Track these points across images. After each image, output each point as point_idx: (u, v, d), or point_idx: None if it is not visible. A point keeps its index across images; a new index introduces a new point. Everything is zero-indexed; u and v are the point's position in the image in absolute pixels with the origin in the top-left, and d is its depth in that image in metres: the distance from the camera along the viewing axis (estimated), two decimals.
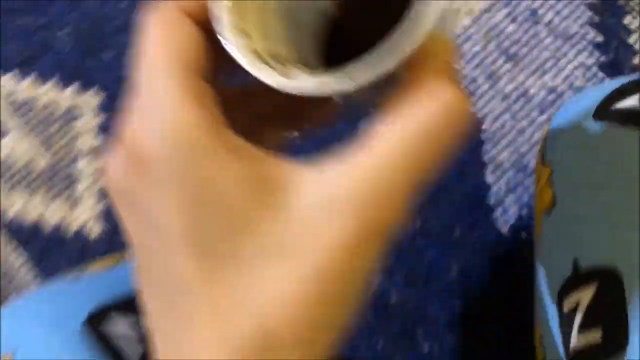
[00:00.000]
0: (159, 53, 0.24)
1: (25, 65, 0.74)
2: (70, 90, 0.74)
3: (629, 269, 0.40)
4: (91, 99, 0.73)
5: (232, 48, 0.24)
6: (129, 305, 0.46)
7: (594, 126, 0.45)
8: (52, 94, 0.74)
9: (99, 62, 0.74)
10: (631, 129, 0.42)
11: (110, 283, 0.49)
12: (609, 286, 0.41)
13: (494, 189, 0.68)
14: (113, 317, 0.46)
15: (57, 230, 0.71)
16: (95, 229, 0.70)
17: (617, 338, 0.40)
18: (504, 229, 0.68)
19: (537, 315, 0.51)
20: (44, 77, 0.74)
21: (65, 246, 0.69)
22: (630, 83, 0.46)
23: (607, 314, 0.41)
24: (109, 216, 0.71)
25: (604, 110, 0.45)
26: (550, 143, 0.50)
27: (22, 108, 0.74)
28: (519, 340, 0.65)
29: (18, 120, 0.73)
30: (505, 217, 0.68)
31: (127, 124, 0.24)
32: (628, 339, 0.39)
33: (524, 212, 0.68)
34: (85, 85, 0.73)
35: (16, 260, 0.71)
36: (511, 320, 0.66)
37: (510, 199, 0.68)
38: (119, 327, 0.45)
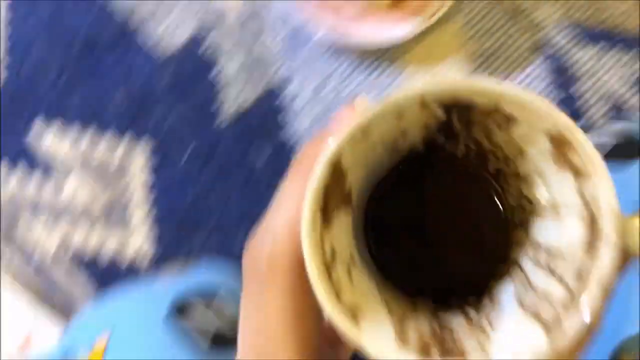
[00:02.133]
0: (282, 343, 0.24)
1: (85, 120, 0.81)
2: (125, 140, 0.81)
3: None
4: (144, 146, 0.81)
5: None
6: (204, 296, 0.51)
7: None
8: (109, 143, 0.80)
9: (148, 115, 0.81)
10: None
11: (183, 281, 0.55)
12: None
13: None
14: (190, 307, 0.50)
15: (113, 260, 0.77)
16: (145, 261, 0.78)
17: None
18: None
19: None
20: (102, 130, 0.81)
21: (120, 274, 0.76)
22: None
23: None
24: (157, 246, 0.78)
25: None
26: None
27: (83, 154, 0.81)
28: None
29: (80, 166, 0.80)
30: None
31: None
32: None
33: None
34: (138, 135, 0.80)
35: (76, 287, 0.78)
36: None
37: None
38: (196, 315, 0.49)
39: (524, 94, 0.22)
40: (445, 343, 0.22)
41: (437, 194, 0.28)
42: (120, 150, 0.80)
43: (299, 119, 0.77)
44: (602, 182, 0.21)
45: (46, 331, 0.70)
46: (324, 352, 0.27)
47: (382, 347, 0.21)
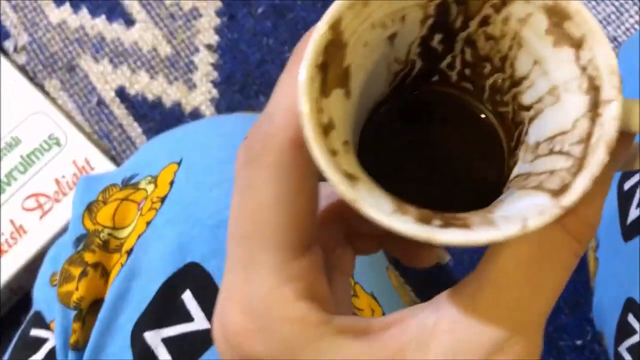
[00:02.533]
0: (274, 223, 0.23)
1: None
2: None
3: None
4: (212, 4, 0.80)
5: (372, 211, 0.20)
6: None
7: None
8: None
9: None
10: None
11: (257, 117, 0.54)
12: None
13: None
14: None
15: (176, 107, 0.78)
16: (208, 112, 0.78)
17: None
18: None
19: None
20: None
21: (182, 122, 0.76)
22: None
23: None
24: (221, 102, 0.78)
25: None
26: (620, 63, 0.57)
27: (151, 4, 0.81)
28: None
29: (146, 13, 0.81)
30: None
31: (235, 294, 0.24)
32: None
33: None
34: None
35: (133, 131, 0.79)
36: None
37: None
38: None
39: None
40: (447, 217, 0.21)
41: (434, 135, 0.28)
42: (188, 4, 0.79)
43: None
44: (601, 46, 0.21)
45: (104, 163, 0.71)
46: (321, 236, 0.26)
47: (381, 210, 0.20)
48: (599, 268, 0.57)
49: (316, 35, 0.22)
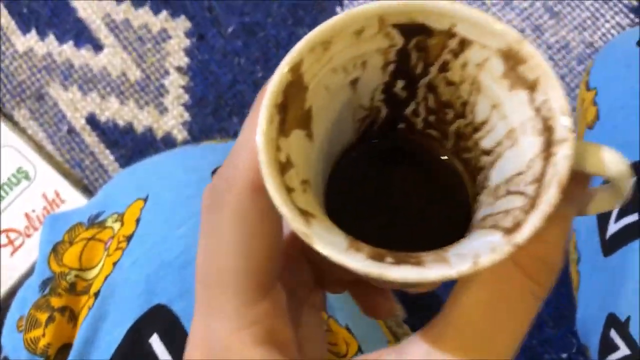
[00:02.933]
0: (233, 267, 0.24)
1: None
2: (162, 16, 0.80)
3: None
4: (180, 25, 0.79)
5: (325, 248, 0.21)
6: None
7: (637, 50, 0.52)
8: (146, 17, 0.80)
9: None
10: None
11: (223, 148, 0.53)
12: None
13: None
14: None
15: (148, 132, 0.77)
16: (180, 136, 0.77)
17: None
18: None
19: (574, 221, 0.57)
20: (139, 2, 0.80)
21: (155, 147, 0.76)
22: None
23: None
24: (193, 126, 0.77)
25: None
26: (596, 71, 0.57)
27: (119, 27, 0.80)
28: None
29: (114, 37, 0.80)
30: None
31: (196, 339, 0.24)
32: None
33: None
34: (176, 12, 0.79)
35: (105, 159, 0.77)
36: None
37: None
38: None
39: (477, 12, 0.23)
40: (401, 256, 0.21)
41: (400, 181, 0.29)
42: (157, 26, 0.78)
43: None
44: (553, 88, 0.22)
45: (74, 194, 0.70)
46: (283, 274, 0.26)
47: (334, 246, 0.21)
48: (580, 282, 0.56)
49: (276, 76, 0.22)
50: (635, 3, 0.76)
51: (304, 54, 0.23)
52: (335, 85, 0.24)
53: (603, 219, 0.50)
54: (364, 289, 0.31)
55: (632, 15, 0.77)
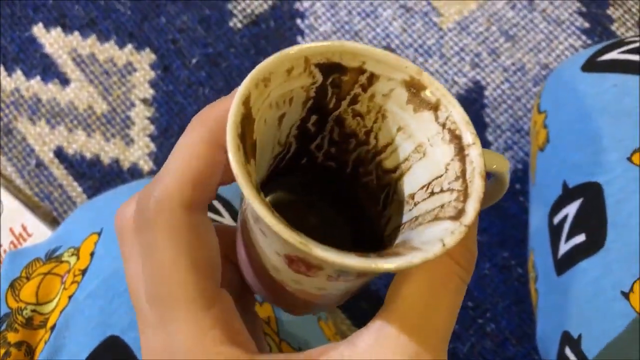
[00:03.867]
0: (177, 280, 0.24)
1: (87, 27, 0.81)
2: (127, 49, 0.81)
3: (608, 181, 0.47)
4: (145, 57, 0.80)
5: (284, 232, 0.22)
6: None
7: (582, 75, 0.53)
8: (111, 51, 0.81)
9: (153, 26, 0.81)
10: (610, 72, 0.50)
11: None
12: (592, 198, 0.47)
13: (493, 147, 0.75)
14: None
15: (114, 164, 0.78)
16: (147, 167, 0.77)
17: (597, 239, 0.46)
18: None
19: (530, 241, 0.57)
20: (105, 36, 0.82)
21: (122, 178, 0.76)
22: (609, 44, 0.54)
23: (590, 221, 0.47)
24: (159, 156, 0.78)
25: (589, 63, 0.53)
26: (546, 95, 0.58)
27: (85, 62, 0.81)
28: (512, 274, 0.72)
29: (80, 71, 0.81)
30: None
31: (155, 352, 0.25)
32: (606, 239, 0.45)
33: (519, 166, 0.75)
34: (141, 45, 0.81)
35: (74, 191, 0.78)
36: (506, 259, 0.72)
37: (507, 155, 0.75)
38: None
39: (383, 51, 0.26)
40: (379, 253, 0.24)
41: (311, 213, 0.32)
42: (122, 59, 0.79)
43: (320, 24, 0.75)
44: (453, 105, 0.26)
45: (41, 228, 0.71)
46: (227, 283, 0.28)
47: (325, 250, 0.22)
48: (539, 299, 0.57)
49: (232, 109, 0.24)
50: (587, 25, 0.78)
51: (251, 88, 0.25)
52: (270, 119, 0.26)
53: (555, 239, 0.51)
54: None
55: (584, 37, 0.78)
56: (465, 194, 0.24)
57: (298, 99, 0.27)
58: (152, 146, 0.78)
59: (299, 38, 0.78)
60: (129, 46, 0.80)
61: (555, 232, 0.51)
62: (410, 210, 0.27)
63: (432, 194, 0.26)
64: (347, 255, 0.22)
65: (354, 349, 0.25)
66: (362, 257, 0.22)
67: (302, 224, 0.29)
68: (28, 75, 0.80)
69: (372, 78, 0.27)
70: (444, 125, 0.26)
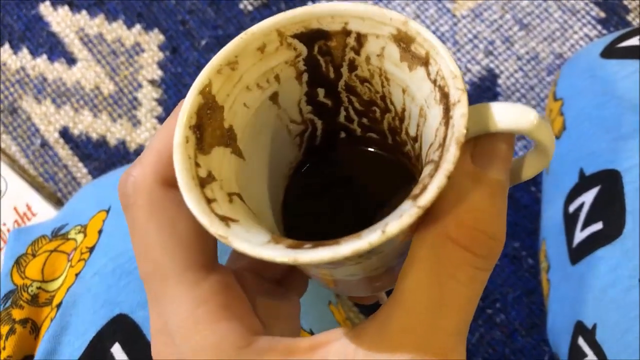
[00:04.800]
0: (162, 254, 0.24)
1: (95, 6, 0.81)
2: (135, 29, 0.80)
3: (627, 168, 0.46)
4: (154, 38, 0.80)
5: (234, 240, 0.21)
6: None
7: (601, 62, 0.53)
8: (119, 31, 0.80)
9: (162, 7, 0.80)
10: (631, 59, 0.50)
11: None
12: (609, 185, 0.46)
13: None
14: None
15: (121, 145, 0.77)
16: None
17: (615, 227, 0.45)
18: None
19: (543, 231, 0.56)
20: (112, 16, 0.81)
21: (128, 160, 0.75)
22: (629, 31, 0.54)
23: (607, 209, 0.46)
24: None
25: (609, 50, 0.53)
26: (562, 82, 0.57)
27: (92, 41, 0.80)
28: (522, 265, 0.72)
29: (87, 51, 0.80)
30: None
31: (154, 332, 0.24)
32: (624, 227, 0.44)
33: None
34: (149, 26, 0.80)
35: (78, 172, 0.77)
36: (517, 249, 0.72)
37: (520, 145, 0.74)
38: None
39: (362, 6, 0.24)
40: (321, 242, 0.22)
41: (354, 189, 0.30)
42: (130, 40, 0.78)
43: None
44: (441, 56, 0.22)
45: (46, 208, 0.70)
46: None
47: (250, 243, 0.21)
48: (550, 290, 0.56)
49: (187, 100, 0.23)
50: (602, 15, 0.77)
51: (212, 76, 0.24)
52: (253, 101, 0.25)
53: (570, 228, 0.50)
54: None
55: (599, 27, 0.77)
56: (437, 167, 0.21)
57: (287, 74, 0.26)
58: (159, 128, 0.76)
59: None
60: (138, 26, 0.80)
61: (570, 221, 0.51)
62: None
63: (426, 164, 0.24)
64: (270, 248, 0.21)
65: (358, 342, 0.23)
66: (288, 249, 0.21)
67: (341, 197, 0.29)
68: (34, 53, 0.79)
69: (360, 38, 0.25)
70: (435, 82, 0.23)
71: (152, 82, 0.77)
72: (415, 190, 0.21)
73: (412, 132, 0.26)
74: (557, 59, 0.77)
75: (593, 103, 0.51)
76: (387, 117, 0.27)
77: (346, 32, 0.25)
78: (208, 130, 0.24)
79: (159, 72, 0.78)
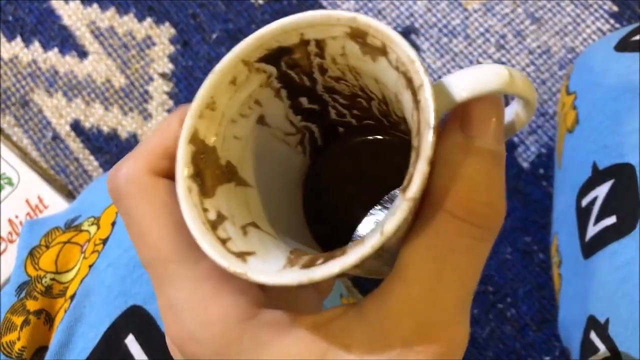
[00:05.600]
0: (160, 237, 0.24)
1: None
2: (146, 23, 0.80)
3: None
4: (165, 31, 0.80)
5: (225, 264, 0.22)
6: None
7: (615, 55, 0.52)
8: (130, 24, 0.80)
9: (173, 0, 0.81)
10: None
11: None
12: (623, 179, 0.46)
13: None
14: None
15: (132, 138, 0.77)
16: None
17: (628, 221, 0.44)
18: (525, 164, 0.73)
19: (555, 225, 0.56)
20: (124, 9, 0.81)
21: None
22: None
23: (621, 203, 0.45)
24: None
25: (623, 43, 0.53)
26: (575, 75, 0.57)
27: (103, 34, 0.80)
28: (533, 259, 0.71)
29: (99, 44, 0.80)
30: (527, 154, 0.74)
31: (162, 314, 0.25)
32: (638, 221, 0.43)
33: (543, 151, 0.74)
34: (160, 19, 0.80)
35: (90, 165, 0.77)
36: (528, 244, 0.72)
37: (531, 139, 0.74)
38: None
39: (310, 14, 0.24)
40: (331, 254, 0.22)
41: (367, 174, 0.30)
42: (141, 33, 0.78)
43: (343, 1, 0.74)
44: (397, 44, 0.23)
45: (58, 200, 0.70)
46: None
47: (267, 273, 0.22)
48: (562, 284, 0.56)
49: (180, 152, 0.24)
50: (615, 9, 0.77)
51: (195, 123, 0.24)
52: (242, 131, 0.26)
53: (583, 222, 0.50)
54: None
55: (612, 21, 0.77)
56: (417, 155, 0.21)
57: (265, 96, 0.26)
58: None
59: None
60: (149, 20, 0.80)
61: (583, 215, 0.50)
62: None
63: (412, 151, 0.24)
64: (285, 274, 0.22)
65: (360, 317, 0.23)
66: (301, 270, 0.22)
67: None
68: (46, 47, 0.80)
69: (319, 44, 0.25)
70: (397, 69, 0.23)
71: (163, 75, 0.77)
72: (405, 182, 0.21)
73: (400, 114, 0.26)
74: (569, 53, 0.77)
75: (607, 96, 0.51)
76: (374, 104, 0.28)
77: (305, 42, 0.25)
78: (207, 174, 0.24)
79: (170, 66, 0.78)
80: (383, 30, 0.23)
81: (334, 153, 0.30)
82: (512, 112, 0.27)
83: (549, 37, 0.77)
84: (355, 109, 0.28)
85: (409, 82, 0.22)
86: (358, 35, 0.24)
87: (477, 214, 0.22)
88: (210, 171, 0.24)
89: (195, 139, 0.24)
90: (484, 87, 0.22)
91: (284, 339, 0.23)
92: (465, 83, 0.22)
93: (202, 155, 0.24)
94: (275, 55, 0.25)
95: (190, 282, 0.24)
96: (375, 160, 0.30)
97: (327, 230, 0.28)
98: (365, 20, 0.23)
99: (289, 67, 0.26)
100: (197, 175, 0.24)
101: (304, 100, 0.27)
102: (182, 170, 0.24)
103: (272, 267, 0.22)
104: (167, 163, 0.25)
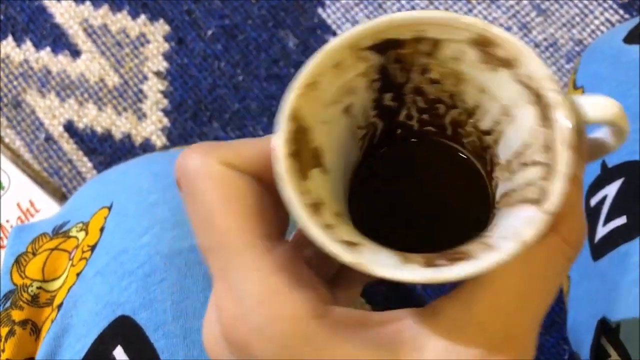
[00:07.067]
0: (228, 224, 0.24)
1: None
2: (140, 20, 0.79)
3: None
4: (159, 29, 0.78)
5: (325, 242, 0.22)
6: None
7: (624, 47, 0.51)
8: (124, 22, 0.79)
9: None
10: None
11: None
12: (633, 178, 0.45)
13: None
14: None
15: (126, 139, 0.76)
16: (159, 142, 0.75)
17: (639, 221, 0.43)
18: None
19: None
20: (117, 7, 0.79)
21: (133, 154, 0.74)
22: None
23: (632, 202, 0.44)
24: (172, 131, 0.76)
25: (632, 35, 0.51)
26: (583, 69, 0.56)
27: (96, 33, 0.79)
28: None
29: (92, 43, 0.79)
30: None
31: (223, 304, 0.24)
32: None
33: None
34: (154, 16, 0.79)
35: (83, 166, 0.76)
36: None
37: None
38: None
39: (437, 13, 0.25)
40: (449, 255, 0.23)
41: (414, 181, 0.31)
42: (135, 30, 0.77)
43: None
44: (531, 59, 0.23)
45: (49, 203, 0.69)
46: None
47: (387, 265, 0.22)
48: (570, 287, 0.55)
49: (281, 128, 0.23)
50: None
51: (298, 99, 0.24)
52: (331, 117, 0.26)
53: (592, 223, 0.49)
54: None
55: (621, 12, 0.75)
56: (551, 171, 0.22)
57: (359, 85, 0.26)
58: (165, 121, 0.75)
59: (319, 10, 0.75)
60: (142, 17, 0.78)
61: (592, 215, 0.49)
62: (509, 179, 0.26)
63: (524, 165, 0.24)
64: (402, 268, 0.22)
65: (436, 320, 0.23)
66: (431, 270, 0.21)
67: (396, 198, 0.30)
68: (38, 46, 0.78)
69: (436, 44, 0.25)
70: (523, 84, 0.24)
71: (157, 73, 0.76)
72: (532, 195, 0.22)
73: (485, 126, 0.27)
74: (576, 45, 0.75)
75: (616, 91, 0.49)
76: (453, 112, 0.28)
77: (418, 39, 0.25)
78: (304, 154, 0.24)
79: (165, 64, 0.77)
80: (514, 42, 0.24)
81: (389, 155, 0.31)
82: (604, 136, 0.27)
83: (556, 29, 0.76)
84: (427, 114, 0.29)
85: (539, 97, 0.23)
86: (483, 43, 0.24)
87: (575, 231, 0.24)
88: (306, 153, 0.24)
89: (295, 117, 0.24)
90: (606, 116, 0.24)
91: (358, 336, 0.23)
92: (594, 109, 0.24)
93: (300, 134, 0.24)
94: (383, 47, 0.25)
95: (259, 275, 0.23)
96: (427, 169, 0.31)
97: (366, 230, 0.27)
98: (496, 30, 0.24)
99: (392, 61, 0.26)
100: (296, 156, 0.24)
101: (387, 96, 0.28)
102: (283, 147, 0.23)
103: (386, 261, 0.22)
104: (240, 162, 0.25)
